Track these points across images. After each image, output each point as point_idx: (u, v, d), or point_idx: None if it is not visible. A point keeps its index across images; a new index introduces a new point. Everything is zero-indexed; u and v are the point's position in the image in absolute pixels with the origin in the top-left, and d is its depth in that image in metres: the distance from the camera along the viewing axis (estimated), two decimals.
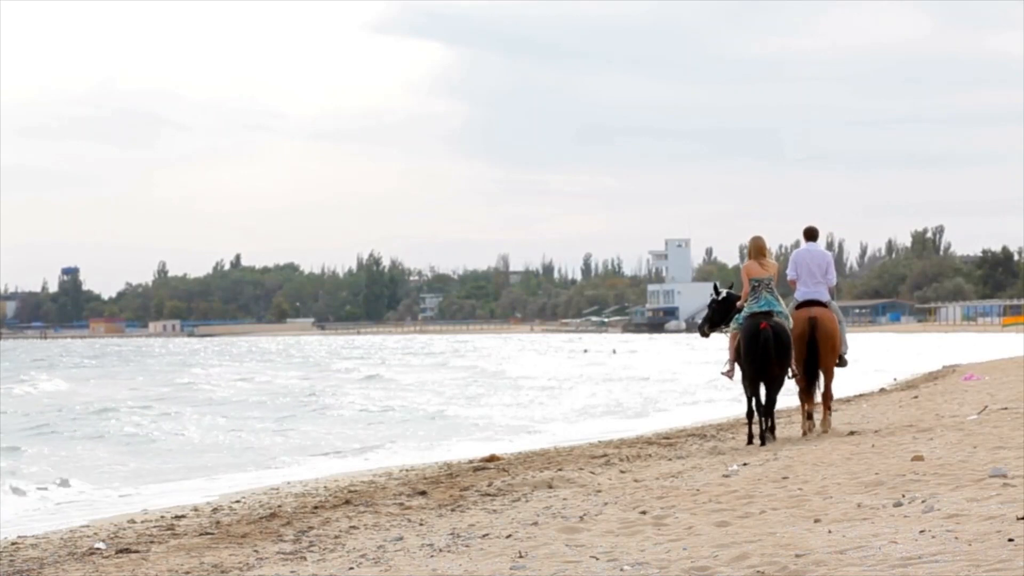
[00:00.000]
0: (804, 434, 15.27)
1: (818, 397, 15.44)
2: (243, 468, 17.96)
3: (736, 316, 15.11)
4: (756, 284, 14.89)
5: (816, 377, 15.19)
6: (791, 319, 15.07)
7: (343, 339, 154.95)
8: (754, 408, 14.89)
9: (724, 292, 15.69)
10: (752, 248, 15.23)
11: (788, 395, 15.86)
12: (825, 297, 15.25)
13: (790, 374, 15.03)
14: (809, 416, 15.43)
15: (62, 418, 27.85)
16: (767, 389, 14.86)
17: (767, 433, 14.90)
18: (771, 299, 14.80)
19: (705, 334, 15.88)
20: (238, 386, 42.58)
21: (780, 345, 14.62)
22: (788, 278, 15.44)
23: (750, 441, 14.94)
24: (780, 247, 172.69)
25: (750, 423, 15.00)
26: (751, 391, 14.84)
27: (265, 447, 21.17)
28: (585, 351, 79.72)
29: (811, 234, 15.59)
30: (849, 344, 15.59)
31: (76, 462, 19.07)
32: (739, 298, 15.22)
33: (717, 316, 15.60)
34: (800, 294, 15.26)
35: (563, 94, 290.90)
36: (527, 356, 72.13)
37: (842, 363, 15.42)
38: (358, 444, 21.19)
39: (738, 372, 15.12)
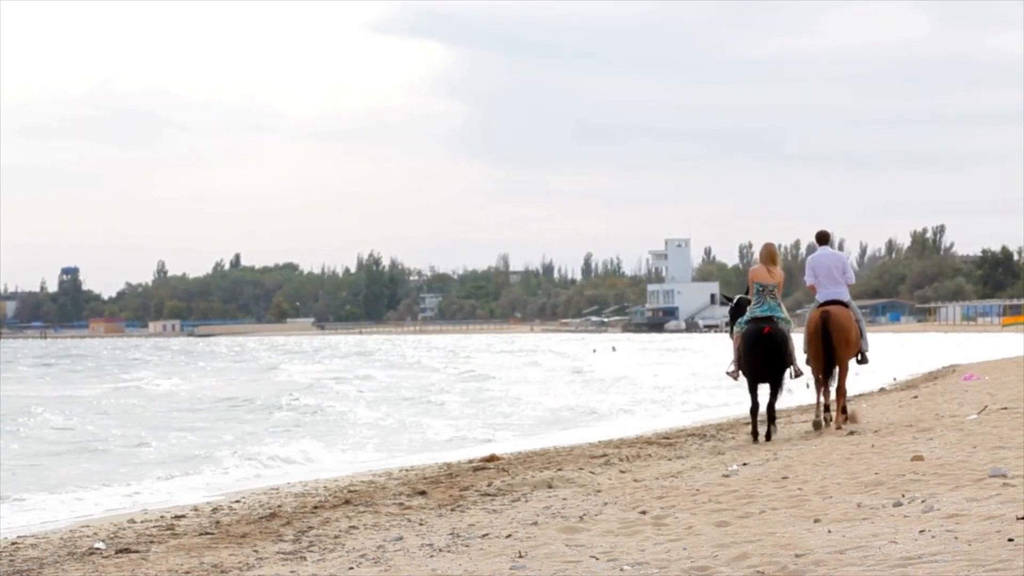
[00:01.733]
0: (816, 425, 15.62)
1: (833, 394, 15.80)
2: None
3: (739, 319, 15.53)
4: (760, 289, 15.28)
5: (832, 370, 15.60)
6: (791, 321, 15.56)
7: (374, 339, 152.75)
8: (757, 404, 15.26)
9: (736, 298, 16.08)
10: (764, 254, 15.63)
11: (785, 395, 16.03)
12: (845, 297, 15.73)
13: (791, 375, 15.33)
14: (826, 408, 15.83)
15: (253, 408, 29.77)
16: (769, 390, 15.24)
17: (770, 430, 15.27)
18: (773, 305, 15.24)
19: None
20: (361, 383, 42.48)
21: (777, 349, 15.02)
22: (807, 283, 15.89)
23: (755, 439, 15.20)
24: (780, 247, 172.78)
25: (754, 420, 15.34)
26: (751, 391, 15.28)
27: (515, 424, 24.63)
28: (595, 351, 79.57)
29: (824, 238, 16.11)
30: (869, 342, 16.01)
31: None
32: (750, 301, 15.57)
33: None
34: (821, 295, 15.71)
35: (563, 94, 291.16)
36: (596, 356, 70.94)
37: (863, 360, 15.86)
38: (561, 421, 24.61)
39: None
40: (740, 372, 15.44)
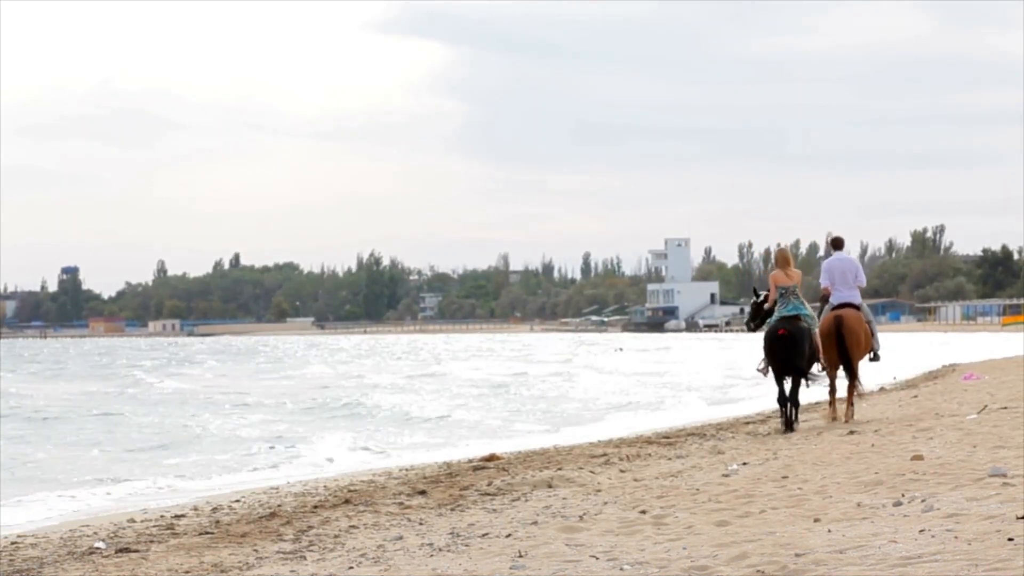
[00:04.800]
0: (832, 419, 16.71)
1: (842, 391, 16.83)
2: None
3: (768, 319, 16.69)
4: (783, 291, 16.50)
5: (845, 368, 16.56)
6: (818, 320, 16.59)
7: (407, 339, 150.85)
8: (784, 395, 16.33)
9: (762, 295, 17.19)
10: (778, 258, 17.10)
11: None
12: (857, 300, 16.80)
13: (817, 369, 16.53)
14: (832, 404, 16.88)
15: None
16: (790, 383, 16.32)
17: (792, 422, 16.32)
18: (798, 304, 16.44)
19: (752, 329, 17.50)
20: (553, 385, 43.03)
21: (795, 346, 16.12)
22: (822, 285, 16.88)
23: (785, 429, 16.19)
24: (778, 246, 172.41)
25: (782, 410, 16.44)
26: (777, 384, 16.38)
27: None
28: (620, 350, 79.20)
29: (838, 244, 17.17)
30: (881, 342, 17.12)
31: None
32: (766, 300, 16.90)
33: (758, 315, 17.19)
34: (835, 298, 16.76)
35: (563, 94, 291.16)
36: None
37: (876, 358, 16.96)
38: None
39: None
40: (768, 368, 16.53)
